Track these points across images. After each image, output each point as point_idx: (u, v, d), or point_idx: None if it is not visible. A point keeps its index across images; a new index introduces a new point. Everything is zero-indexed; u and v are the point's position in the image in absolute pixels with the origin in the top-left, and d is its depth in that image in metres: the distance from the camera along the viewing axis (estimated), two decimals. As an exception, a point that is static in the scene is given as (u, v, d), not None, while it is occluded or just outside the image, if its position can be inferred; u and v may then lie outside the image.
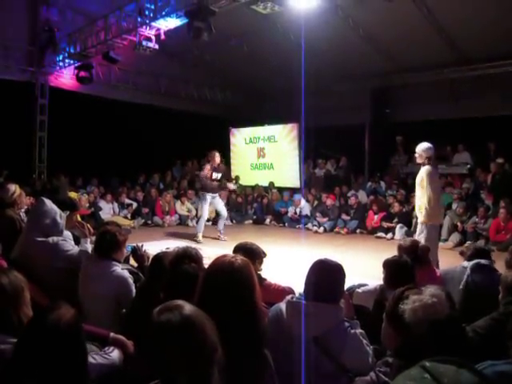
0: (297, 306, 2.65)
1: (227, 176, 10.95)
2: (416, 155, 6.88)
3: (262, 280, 3.94)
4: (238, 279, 2.21)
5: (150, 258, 4.21)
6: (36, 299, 2.66)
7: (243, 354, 1.97)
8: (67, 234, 4.62)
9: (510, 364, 1.90)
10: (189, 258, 2.99)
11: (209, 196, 10.67)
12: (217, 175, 10.62)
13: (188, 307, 1.64)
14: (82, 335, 1.99)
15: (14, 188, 5.28)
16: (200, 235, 10.69)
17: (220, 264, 2.30)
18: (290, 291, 3.83)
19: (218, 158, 10.84)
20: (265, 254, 3.87)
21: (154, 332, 1.59)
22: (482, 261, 4.13)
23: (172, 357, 1.53)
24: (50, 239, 4.04)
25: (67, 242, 4.19)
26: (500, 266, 4.35)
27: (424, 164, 6.71)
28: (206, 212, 10.83)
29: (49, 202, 4.20)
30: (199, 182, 10.86)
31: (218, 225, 11.08)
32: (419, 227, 6.80)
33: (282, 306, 2.77)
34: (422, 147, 6.75)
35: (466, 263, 4.19)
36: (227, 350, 1.65)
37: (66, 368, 1.83)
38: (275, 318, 2.75)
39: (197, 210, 13.73)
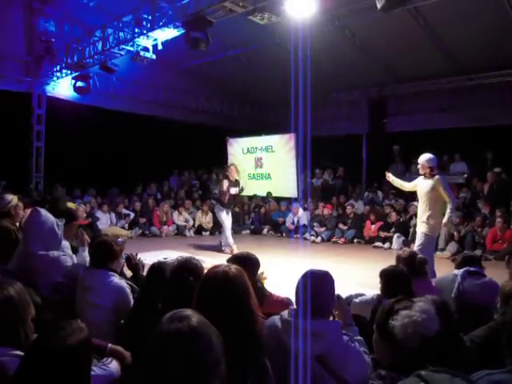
0: (294, 325, 2.57)
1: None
2: (418, 166, 6.86)
3: (264, 291, 3.93)
4: (232, 288, 2.22)
5: (145, 266, 4.19)
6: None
7: (243, 363, 1.96)
8: (65, 243, 4.57)
9: (505, 373, 1.90)
10: (191, 269, 2.98)
11: (224, 210, 10.55)
12: (235, 190, 10.50)
13: (196, 318, 1.63)
14: (88, 358, 1.98)
15: (10, 198, 5.18)
16: (234, 246, 10.38)
17: (214, 274, 2.31)
18: (288, 302, 3.80)
19: (235, 172, 10.72)
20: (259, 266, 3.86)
21: (161, 340, 1.58)
22: (471, 268, 4.18)
23: (175, 366, 1.52)
24: (51, 253, 3.96)
25: (67, 256, 4.14)
26: (499, 275, 4.37)
27: (426, 175, 6.68)
28: (226, 221, 10.56)
29: (44, 212, 4.11)
30: (220, 196, 10.67)
31: (222, 237, 10.88)
32: (422, 237, 6.72)
33: (278, 322, 2.70)
34: (425, 158, 6.71)
35: (456, 271, 4.25)
36: (226, 359, 1.64)
37: None
38: (271, 331, 2.70)
39: (194, 219, 13.72)
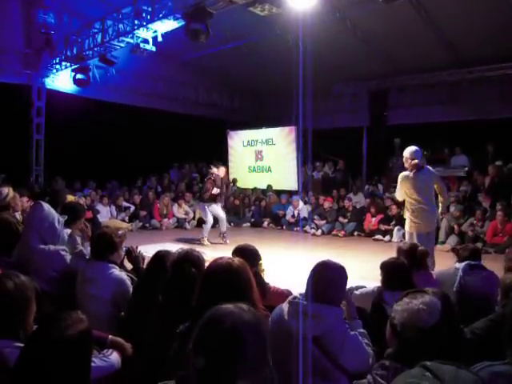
0: (297, 306, 2.64)
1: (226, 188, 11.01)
2: (403, 159, 6.84)
3: (265, 284, 3.94)
4: (235, 280, 2.23)
5: (146, 259, 4.19)
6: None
7: None
8: (78, 239, 4.58)
9: (506, 365, 1.90)
10: (191, 260, 2.97)
11: (203, 205, 10.80)
12: (217, 191, 10.63)
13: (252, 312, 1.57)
14: (89, 349, 1.98)
15: (7, 191, 5.22)
16: (205, 239, 10.63)
17: (218, 265, 2.32)
18: (288, 294, 3.81)
19: (222, 173, 10.97)
20: (260, 258, 3.87)
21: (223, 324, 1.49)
22: (472, 262, 4.21)
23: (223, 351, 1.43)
24: (47, 247, 3.97)
25: (66, 252, 4.13)
26: (499, 268, 4.36)
27: (409, 169, 6.62)
28: (208, 217, 10.72)
29: (47, 207, 4.13)
30: (203, 192, 10.89)
31: (220, 228, 10.96)
32: (407, 235, 6.76)
33: (285, 306, 2.76)
34: (408, 151, 6.68)
35: (458, 264, 4.26)
36: None
37: (69, 379, 1.82)
38: (278, 318, 2.75)
39: (194, 212, 13.71)
